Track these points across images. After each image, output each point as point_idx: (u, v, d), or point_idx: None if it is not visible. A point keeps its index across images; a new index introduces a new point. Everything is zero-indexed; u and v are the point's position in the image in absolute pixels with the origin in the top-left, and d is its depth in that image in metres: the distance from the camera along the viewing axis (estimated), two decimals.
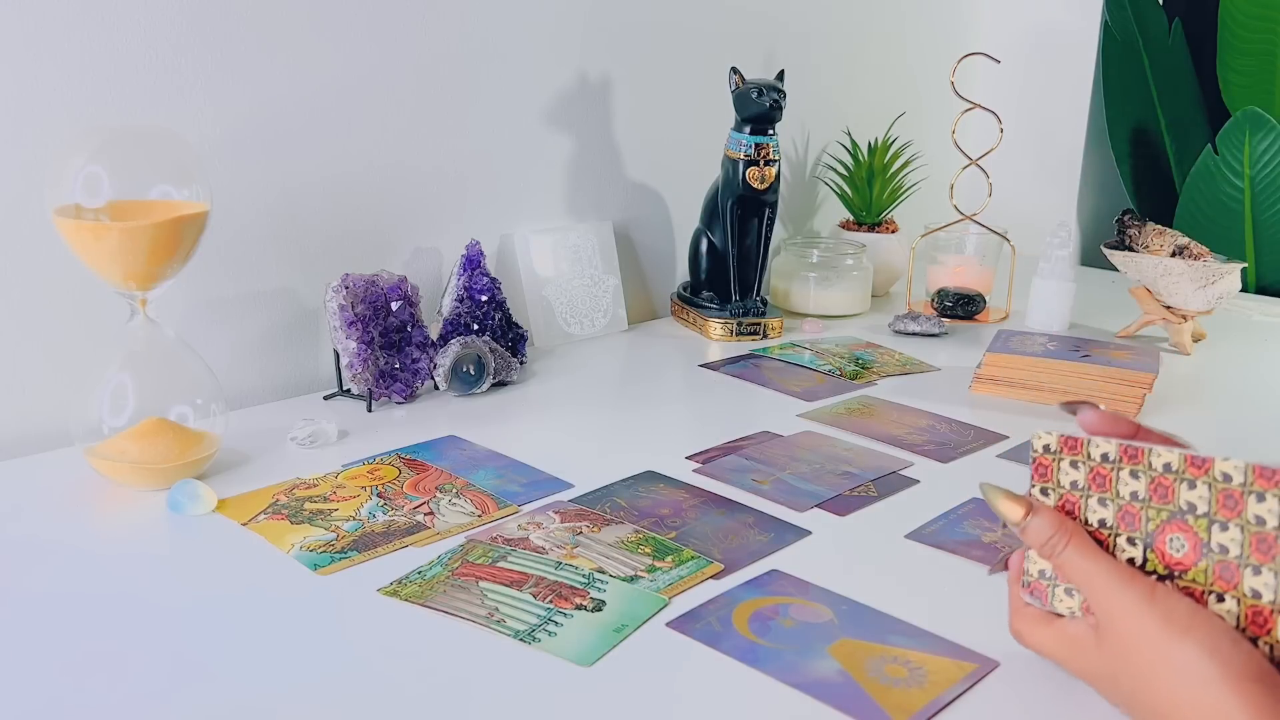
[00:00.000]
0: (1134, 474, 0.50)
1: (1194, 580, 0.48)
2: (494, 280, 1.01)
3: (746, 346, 1.16)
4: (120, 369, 0.75)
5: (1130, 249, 1.20)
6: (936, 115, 1.44)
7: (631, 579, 0.64)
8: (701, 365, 1.10)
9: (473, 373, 0.96)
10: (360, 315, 0.91)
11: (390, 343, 0.93)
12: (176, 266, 0.73)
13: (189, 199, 0.73)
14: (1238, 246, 1.65)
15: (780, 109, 1.13)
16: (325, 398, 0.95)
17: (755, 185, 1.15)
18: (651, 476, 0.80)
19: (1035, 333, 1.10)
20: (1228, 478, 0.47)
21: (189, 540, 0.69)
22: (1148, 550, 0.50)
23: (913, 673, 0.55)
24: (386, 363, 0.93)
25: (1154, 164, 1.81)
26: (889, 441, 0.89)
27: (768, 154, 1.14)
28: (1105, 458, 0.51)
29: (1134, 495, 0.50)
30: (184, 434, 0.76)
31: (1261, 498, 0.46)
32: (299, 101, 0.95)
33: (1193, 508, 0.48)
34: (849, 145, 1.42)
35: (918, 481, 0.81)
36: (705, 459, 0.84)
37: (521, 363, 1.02)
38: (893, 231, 1.41)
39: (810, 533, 0.72)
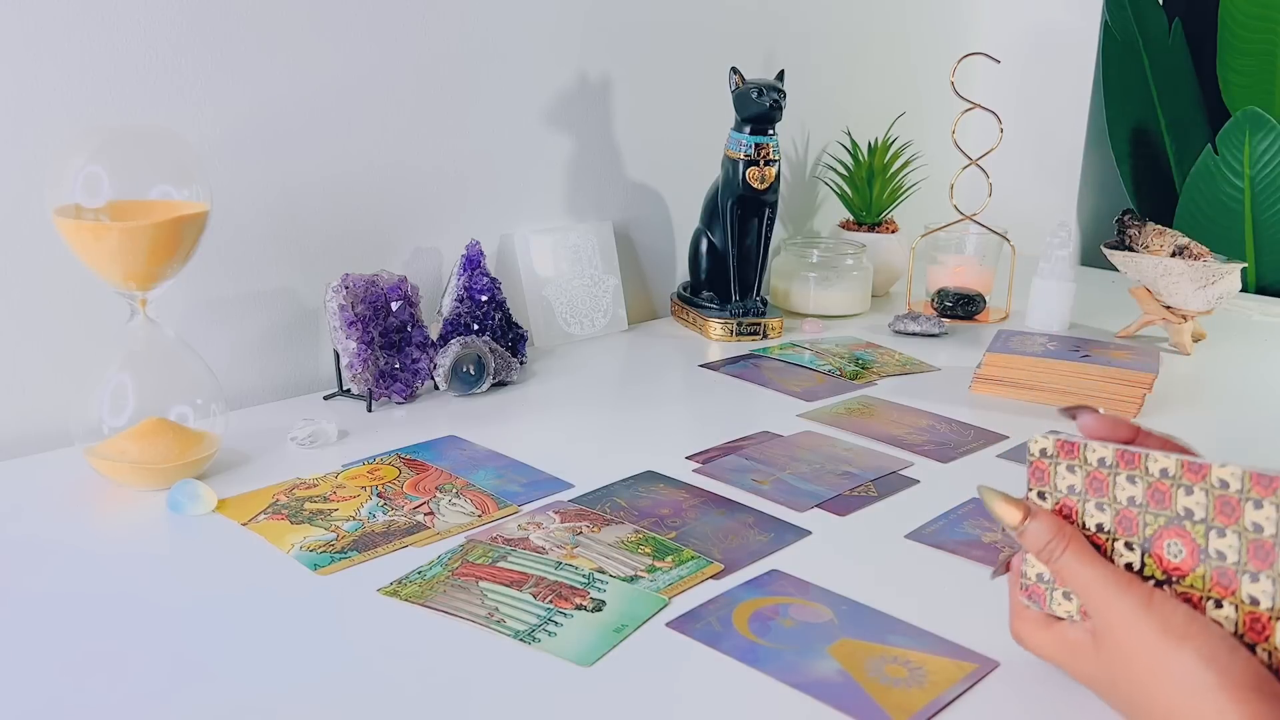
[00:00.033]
0: (1131, 479, 0.50)
1: (1192, 586, 0.48)
2: (494, 280, 1.01)
3: (746, 346, 1.16)
4: (120, 369, 0.75)
5: (1130, 249, 1.20)
6: (936, 115, 1.44)
7: (631, 579, 0.64)
8: (701, 365, 1.10)
9: (473, 373, 0.96)
10: (360, 315, 0.91)
11: (390, 343, 0.93)
12: (176, 266, 0.73)
13: (189, 199, 0.73)
14: (1238, 246, 1.65)
15: (780, 109, 1.13)
16: (325, 398, 0.95)
17: (755, 185, 1.15)
18: (651, 476, 0.80)
19: (1035, 333, 1.10)
20: (1225, 484, 0.47)
21: (189, 540, 0.69)
22: (1145, 555, 0.50)
23: (913, 673, 0.55)
24: (386, 363, 0.93)
25: (1154, 164, 1.81)
26: (889, 441, 0.89)
27: (768, 154, 1.14)
28: (1102, 462, 0.50)
29: (1131, 500, 0.50)
30: (184, 434, 0.76)
31: (1259, 505, 0.46)
32: (299, 101, 0.95)
33: (1190, 514, 0.48)
34: (849, 145, 1.42)
35: (918, 481, 0.81)
36: (705, 459, 0.84)
37: (521, 363, 1.02)
38: (893, 231, 1.41)
39: (810, 533, 0.72)
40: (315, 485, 0.77)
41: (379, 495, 0.75)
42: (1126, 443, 0.52)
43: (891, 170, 1.40)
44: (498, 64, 1.09)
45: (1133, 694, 0.47)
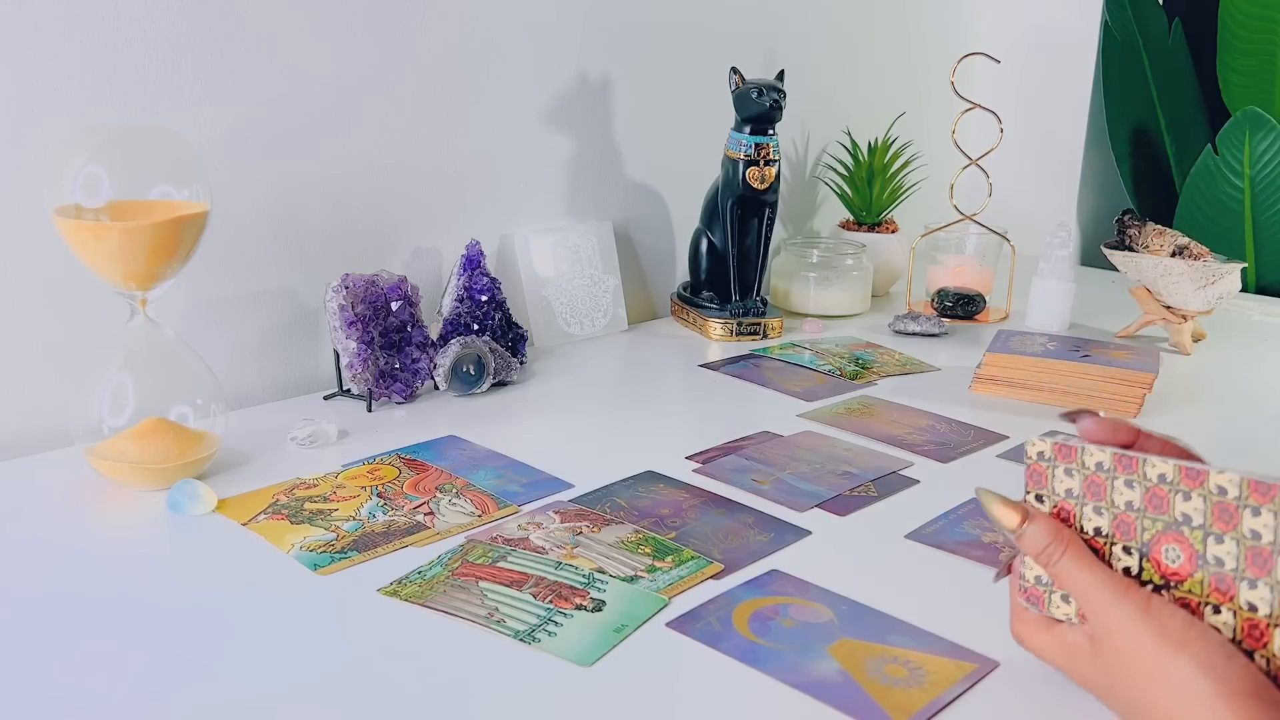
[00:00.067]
0: (1129, 483, 0.50)
1: (1190, 591, 0.48)
2: (494, 280, 1.01)
3: (746, 346, 1.16)
4: (120, 369, 0.75)
5: (1130, 249, 1.20)
6: (936, 115, 1.44)
7: (631, 579, 0.64)
8: (701, 365, 1.10)
9: (473, 373, 0.96)
10: (360, 315, 0.91)
11: (390, 343, 0.93)
12: (176, 266, 0.73)
13: (189, 199, 0.73)
14: (1238, 246, 1.65)
15: (780, 109, 1.13)
16: (325, 398, 0.95)
17: (755, 185, 1.15)
18: (651, 476, 0.80)
19: (1035, 333, 1.10)
20: (1223, 491, 0.47)
21: (189, 540, 0.69)
22: (1144, 560, 0.49)
23: (913, 673, 0.55)
24: (386, 363, 0.93)
25: (1154, 164, 1.81)
26: (889, 441, 0.89)
27: (768, 154, 1.14)
28: (1100, 466, 0.50)
29: (1129, 505, 0.50)
30: (184, 434, 0.76)
31: (1257, 512, 0.46)
32: (299, 101, 0.95)
33: (1188, 519, 0.48)
34: (849, 145, 1.42)
35: (918, 481, 0.81)
36: (705, 459, 0.84)
37: (521, 363, 1.02)
38: (893, 231, 1.41)
39: (810, 533, 0.72)
40: (315, 485, 0.77)
41: (379, 495, 0.75)
42: (1127, 445, 0.52)
43: (891, 170, 1.40)
44: (498, 64, 1.09)
45: (1131, 699, 0.47)
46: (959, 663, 0.56)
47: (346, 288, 0.91)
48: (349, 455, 0.82)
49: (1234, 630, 0.47)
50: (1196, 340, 1.21)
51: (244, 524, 0.70)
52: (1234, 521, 0.46)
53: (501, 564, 0.65)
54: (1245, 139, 1.57)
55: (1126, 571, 0.50)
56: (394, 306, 0.93)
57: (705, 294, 1.23)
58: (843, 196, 1.43)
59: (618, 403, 0.99)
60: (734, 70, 1.15)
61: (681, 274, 1.33)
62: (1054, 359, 1.00)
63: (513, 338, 1.02)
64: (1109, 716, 0.51)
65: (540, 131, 1.15)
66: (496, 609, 0.60)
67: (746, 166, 1.14)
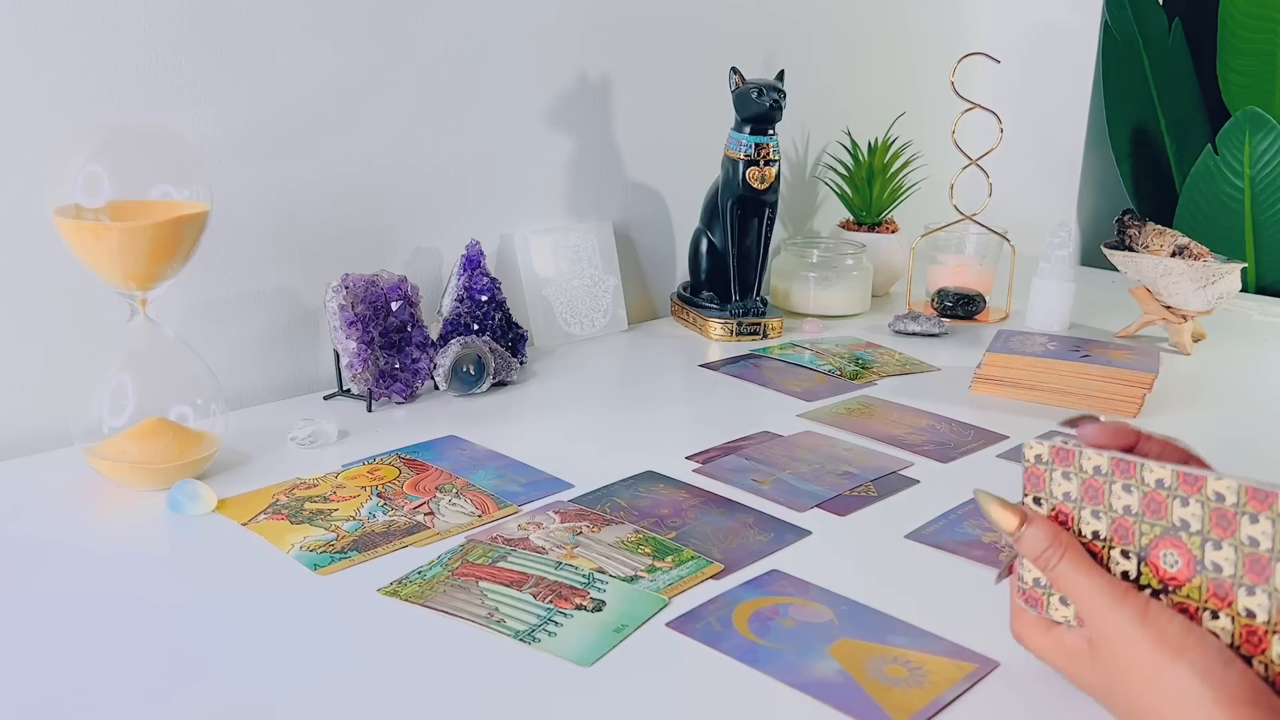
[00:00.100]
0: (1127, 488, 0.49)
1: (1188, 596, 0.48)
2: (494, 280, 1.01)
3: (746, 346, 1.16)
4: (120, 369, 0.75)
5: (1130, 249, 1.20)
6: (936, 115, 1.44)
7: (631, 579, 0.64)
8: (701, 365, 1.10)
9: (473, 373, 0.96)
10: (360, 315, 0.91)
11: (390, 343, 0.93)
12: (176, 266, 0.73)
13: (189, 199, 0.73)
14: (1238, 246, 1.65)
15: (780, 109, 1.13)
16: (325, 398, 0.95)
17: (755, 185, 1.15)
18: (651, 476, 0.80)
19: (1035, 333, 1.10)
20: (1220, 497, 0.47)
21: (189, 540, 0.69)
22: (1142, 564, 0.49)
23: (913, 673, 0.55)
24: (386, 363, 0.93)
25: (1154, 164, 1.81)
26: (889, 441, 0.89)
27: (768, 154, 1.14)
28: (1098, 470, 0.50)
29: (1127, 509, 0.50)
30: (184, 434, 0.76)
31: (1255, 519, 0.46)
32: (299, 101, 0.95)
33: (1186, 525, 0.48)
34: (849, 145, 1.42)
35: (918, 481, 0.81)
36: (705, 459, 0.84)
37: (521, 363, 1.02)
38: (893, 231, 1.41)
39: (810, 533, 0.72)
40: (315, 485, 0.77)
41: (379, 495, 0.75)
42: (1128, 448, 0.52)
43: (891, 170, 1.40)
44: (498, 64, 1.09)
45: (1129, 703, 0.47)
46: (959, 663, 0.56)
47: (346, 288, 0.91)
48: (349, 455, 0.82)
49: (1232, 636, 0.47)
50: (1196, 340, 1.21)
51: (244, 524, 0.70)
52: (1232, 528, 0.46)
53: (501, 564, 0.65)
54: (1245, 139, 1.57)
55: (1125, 575, 0.50)
56: (394, 306, 0.93)
57: (705, 294, 1.23)
58: (843, 196, 1.43)
59: (618, 403, 0.99)
60: (734, 70, 1.15)
61: (681, 274, 1.33)
62: (1054, 359, 1.00)
63: (513, 338, 1.02)
64: (1108, 716, 0.51)
65: (540, 131, 1.15)
66: (496, 609, 0.60)
67: (746, 166, 1.14)
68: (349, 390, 0.95)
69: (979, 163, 1.27)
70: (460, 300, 0.99)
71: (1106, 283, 1.50)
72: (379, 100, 1.00)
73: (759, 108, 1.12)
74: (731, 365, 1.10)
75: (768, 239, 1.19)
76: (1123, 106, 1.77)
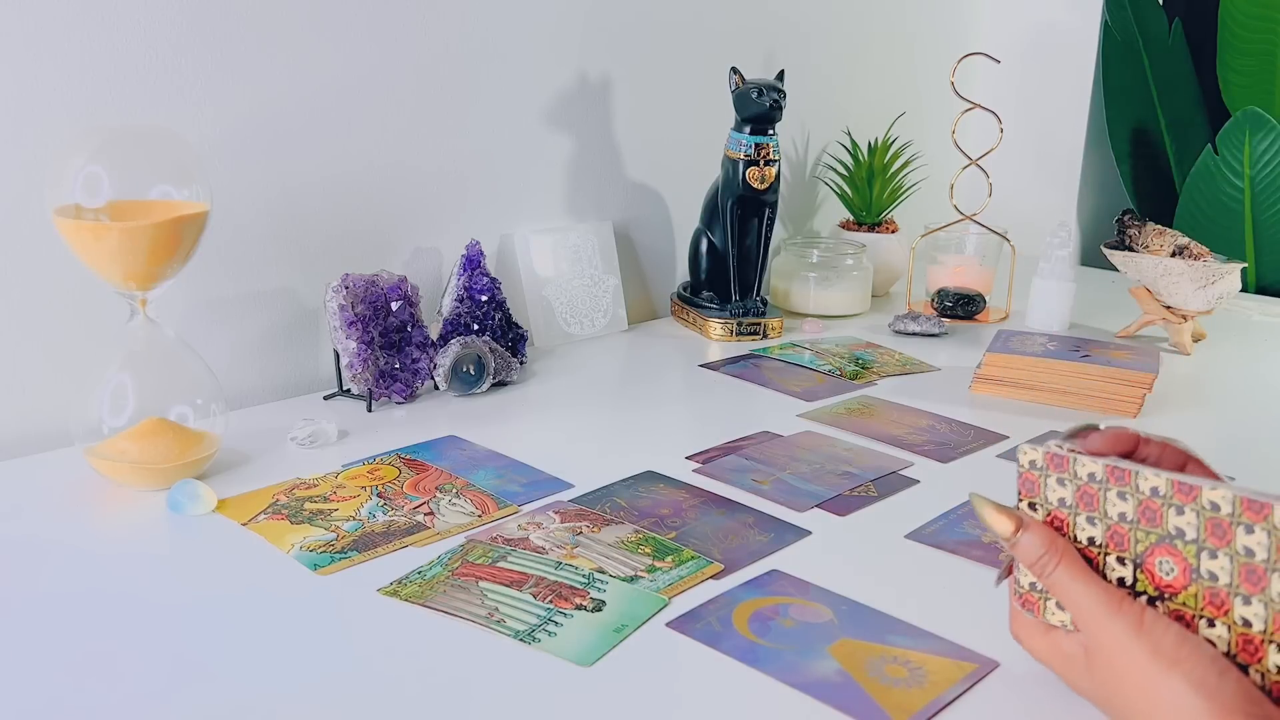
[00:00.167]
0: (1121, 495, 0.49)
1: (1184, 604, 0.48)
2: (494, 280, 1.01)
3: (746, 346, 1.17)
4: (120, 369, 0.75)
5: (1130, 249, 1.20)
6: (936, 115, 1.44)
7: (631, 579, 0.64)
8: (701, 365, 1.10)
9: (473, 373, 0.96)
10: (360, 315, 0.91)
11: (390, 343, 0.93)
12: (176, 266, 0.73)
13: (189, 199, 0.73)
14: (1238, 246, 1.65)
15: (780, 109, 1.13)
16: (325, 398, 0.95)
17: (755, 185, 1.15)
18: (651, 476, 0.80)
19: (1035, 333, 1.10)
20: (1216, 507, 0.46)
21: (189, 540, 0.69)
22: (1137, 571, 0.49)
23: (913, 673, 0.55)
24: (386, 363, 0.93)
25: (1154, 164, 1.81)
26: (889, 441, 0.89)
27: (768, 154, 1.14)
28: (1092, 477, 0.50)
29: (1122, 516, 0.49)
30: (184, 434, 0.76)
31: (1250, 530, 0.45)
32: (299, 101, 0.95)
33: (1181, 533, 0.48)
34: (849, 145, 1.42)
35: (918, 481, 0.81)
36: (705, 459, 0.84)
37: (521, 363, 1.02)
38: (893, 231, 1.41)
39: (810, 533, 0.72)
40: (315, 485, 0.77)
41: (379, 495, 0.75)
42: (1128, 452, 0.52)
43: (891, 170, 1.40)
44: (498, 64, 1.09)
45: (1125, 711, 0.47)
46: (959, 663, 0.56)
47: (346, 288, 0.91)
48: (349, 455, 0.82)
49: (1229, 644, 0.47)
50: (1196, 340, 1.21)
51: (244, 524, 0.70)
52: (1227, 538, 0.46)
53: (501, 564, 0.65)
54: (1245, 139, 1.57)
55: (1121, 582, 0.50)
56: (394, 306, 0.93)
57: (705, 294, 1.23)
58: (843, 196, 1.43)
59: (618, 403, 0.99)
60: (734, 70, 1.15)
61: (681, 274, 1.33)
62: (1054, 359, 1.00)
63: (513, 338, 1.02)
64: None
65: (540, 131, 1.15)
66: (496, 609, 0.60)
67: (746, 166, 1.14)
68: (349, 390, 0.95)
69: (979, 163, 1.27)
70: (460, 300, 0.99)
71: (1106, 283, 1.50)
72: (379, 100, 1.00)
73: (759, 108, 1.12)
74: (731, 365, 1.10)
75: (768, 239, 1.19)
76: (1123, 106, 1.77)
